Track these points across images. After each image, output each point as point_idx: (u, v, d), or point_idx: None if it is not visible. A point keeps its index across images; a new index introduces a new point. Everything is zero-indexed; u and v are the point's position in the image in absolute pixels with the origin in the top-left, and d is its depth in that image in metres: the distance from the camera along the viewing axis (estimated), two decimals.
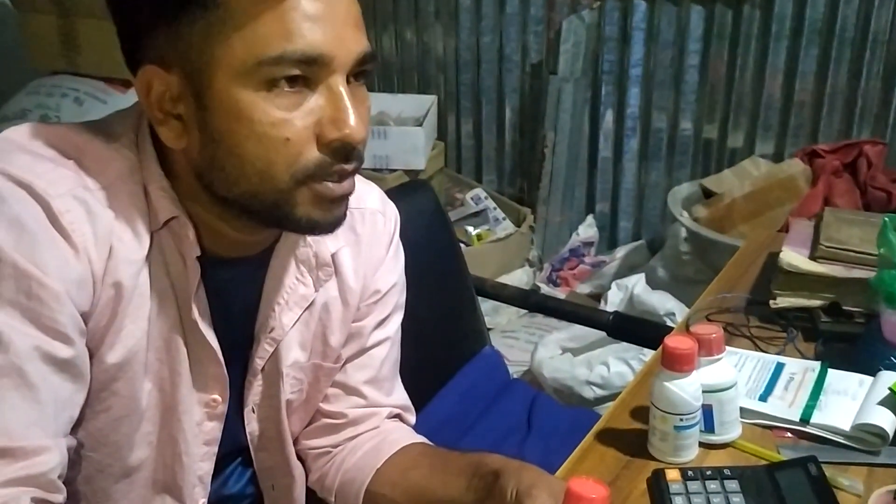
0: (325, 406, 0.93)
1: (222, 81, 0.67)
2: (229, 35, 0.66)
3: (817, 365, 1.04)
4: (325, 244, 0.84)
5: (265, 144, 0.68)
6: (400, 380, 0.99)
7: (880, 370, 0.98)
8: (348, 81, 0.70)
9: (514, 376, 1.73)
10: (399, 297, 0.95)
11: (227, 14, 0.66)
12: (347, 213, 0.85)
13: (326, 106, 0.69)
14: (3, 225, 0.67)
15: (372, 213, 0.90)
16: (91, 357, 0.73)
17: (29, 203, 0.68)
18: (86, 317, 0.72)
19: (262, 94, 0.67)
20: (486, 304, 1.67)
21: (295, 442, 0.93)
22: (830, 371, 1.02)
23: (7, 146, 0.71)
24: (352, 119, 0.69)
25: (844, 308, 1.12)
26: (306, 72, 0.68)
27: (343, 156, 0.71)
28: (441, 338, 1.32)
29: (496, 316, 2.44)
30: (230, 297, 0.81)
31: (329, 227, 0.75)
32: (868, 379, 0.98)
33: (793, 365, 1.05)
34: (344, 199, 0.74)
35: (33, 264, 0.67)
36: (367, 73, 0.73)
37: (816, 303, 1.14)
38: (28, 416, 0.67)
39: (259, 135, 0.68)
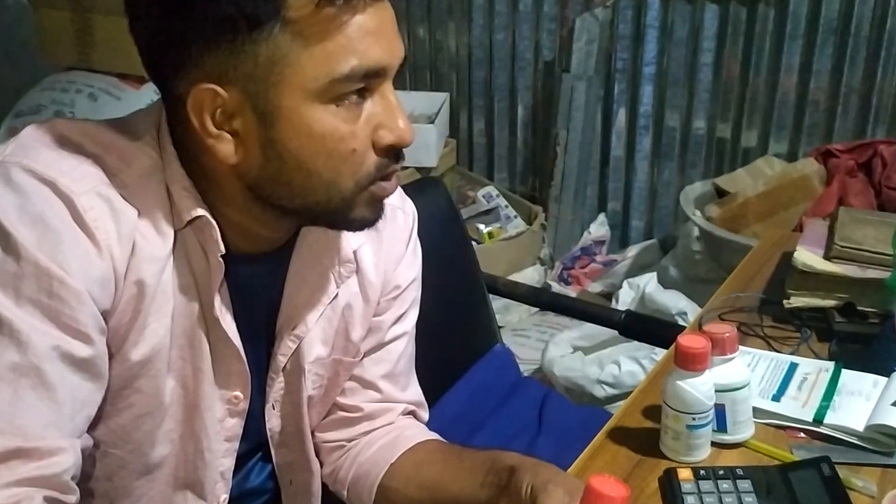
0: (341, 399, 0.94)
1: (290, 99, 0.68)
2: (298, 54, 0.67)
3: (831, 365, 1.03)
4: (346, 241, 0.85)
5: (334, 158, 0.70)
6: (415, 375, 0.99)
7: (895, 371, 0.98)
8: None
9: (525, 374, 1.73)
10: (416, 292, 0.96)
11: (294, 33, 0.66)
12: None
13: (381, 112, 0.72)
14: (26, 222, 0.67)
15: (392, 209, 0.91)
16: (114, 355, 0.74)
17: (52, 200, 0.68)
18: (107, 315, 0.72)
19: (331, 110, 0.69)
20: (497, 302, 1.67)
21: (311, 434, 0.93)
22: (844, 371, 1.01)
23: (31, 142, 0.71)
24: (402, 122, 0.72)
25: (859, 308, 1.11)
26: (368, 84, 0.70)
27: (393, 156, 0.73)
28: (452, 335, 1.32)
29: (507, 314, 2.44)
30: (252, 293, 0.82)
31: (375, 221, 0.78)
32: (882, 380, 0.98)
33: (806, 365, 1.04)
34: (388, 196, 0.77)
35: (55, 263, 0.67)
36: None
37: (831, 303, 1.13)
38: (45, 417, 0.68)
39: (329, 150, 0.70)
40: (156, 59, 0.72)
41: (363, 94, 0.70)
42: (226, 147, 0.71)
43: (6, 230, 0.67)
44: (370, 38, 0.68)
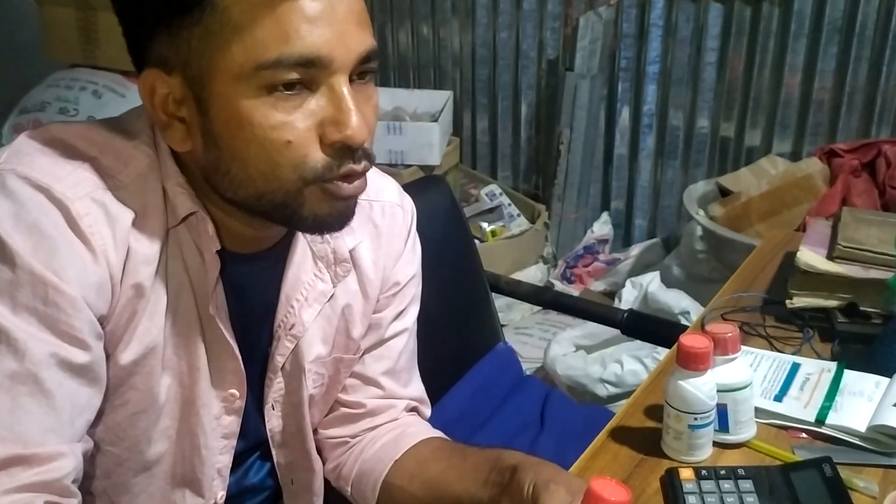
0: (343, 396, 0.94)
1: (222, 86, 0.67)
2: (227, 39, 0.66)
3: (833, 365, 1.03)
4: (342, 240, 0.84)
5: (267, 148, 0.68)
6: (417, 371, 0.99)
7: None
8: (351, 80, 0.69)
9: (528, 373, 1.73)
10: (416, 288, 0.96)
11: (224, 18, 0.65)
12: (368, 205, 0.86)
13: (328, 107, 0.68)
14: (21, 230, 0.67)
15: (391, 206, 0.91)
16: (109, 356, 0.74)
17: (48, 207, 0.68)
18: (104, 320, 0.72)
19: (262, 98, 0.67)
20: (499, 301, 1.67)
21: (313, 432, 0.94)
22: (847, 372, 1.01)
23: (26, 148, 0.71)
24: (353, 120, 0.68)
25: (861, 308, 1.11)
26: (305, 74, 0.67)
27: (348, 156, 0.70)
28: (455, 334, 1.33)
29: (510, 312, 2.44)
30: (248, 293, 0.82)
31: (336, 225, 0.74)
32: (884, 380, 0.98)
33: (809, 365, 1.04)
34: (352, 198, 0.74)
35: (51, 270, 0.67)
36: (371, 71, 0.72)
37: (833, 303, 1.13)
38: (43, 423, 0.68)
39: (260, 139, 0.68)
40: (128, 49, 0.72)
41: (306, 84, 0.67)
42: (174, 134, 0.71)
43: (1, 238, 0.67)
44: (308, 25, 0.65)
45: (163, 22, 0.67)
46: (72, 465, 0.70)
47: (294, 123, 0.68)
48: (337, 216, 0.73)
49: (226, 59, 0.66)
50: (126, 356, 0.74)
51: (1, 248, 0.67)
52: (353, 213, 0.75)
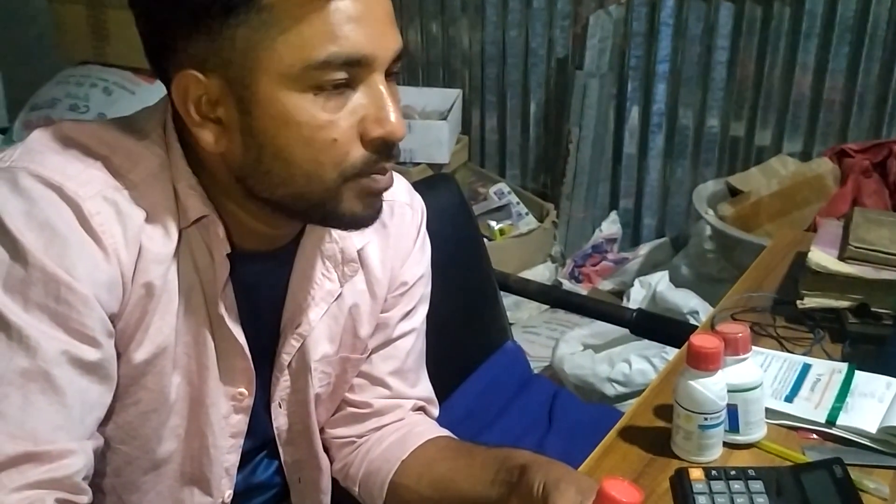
0: (350, 396, 0.94)
1: (267, 85, 0.67)
2: (274, 39, 0.66)
3: (844, 366, 1.03)
4: (350, 240, 0.84)
5: (313, 147, 0.69)
6: (426, 371, 0.99)
7: None
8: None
9: (535, 372, 1.73)
10: (425, 288, 0.95)
11: (271, 18, 0.65)
12: None
13: (369, 104, 0.70)
14: (33, 228, 0.67)
15: (401, 205, 0.90)
16: (121, 355, 0.74)
17: (59, 205, 0.68)
18: (115, 318, 0.72)
19: (309, 97, 0.67)
20: (507, 299, 1.67)
21: (320, 431, 0.94)
22: (857, 373, 1.01)
23: (38, 146, 0.71)
24: (393, 116, 0.70)
25: (873, 309, 1.11)
26: (351, 73, 0.68)
27: (386, 152, 0.71)
28: (463, 332, 1.32)
29: (518, 311, 2.44)
30: (257, 292, 0.82)
31: (370, 220, 0.76)
32: (895, 381, 0.97)
33: (819, 366, 1.04)
34: (384, 192, 0.75)
35: (62, 268, 0.67)
36: (397, 69, 0.73)
37: (844, 304, 1.13)
38: (54, 420, 0.68)
39: (307, 138, 0.68)
40: (149, 50, 0.72)
41: (348, 83, 0.68)
42: (209, 135, 0.71)
43: (14, 236, 0.67)
44: (352, 25, 0.66)
45: (203, 23, 0.66)
46: (82, 463, 0.70)
47: (339, 122, 0.69)
48: (372, 212, 0.75)
49: (272, 59, 0.66)
50: (139, 355, 0.75)
51: (13, 246, 0.67)
52: (382, 206, 0.77)
